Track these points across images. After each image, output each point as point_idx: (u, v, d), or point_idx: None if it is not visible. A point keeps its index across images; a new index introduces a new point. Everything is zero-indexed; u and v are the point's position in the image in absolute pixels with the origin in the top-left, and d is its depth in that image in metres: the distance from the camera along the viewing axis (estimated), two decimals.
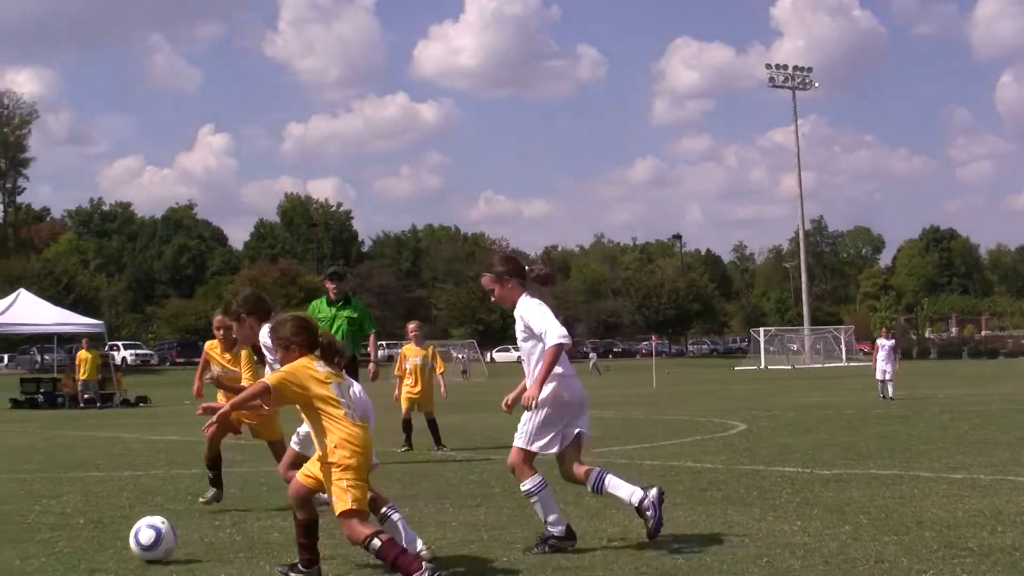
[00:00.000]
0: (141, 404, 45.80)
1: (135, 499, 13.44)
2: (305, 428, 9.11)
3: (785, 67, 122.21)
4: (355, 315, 17.37)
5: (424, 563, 7.87)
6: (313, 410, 8.12)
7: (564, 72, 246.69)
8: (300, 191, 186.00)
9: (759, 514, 11.02)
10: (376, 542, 7.85)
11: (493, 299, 10.23)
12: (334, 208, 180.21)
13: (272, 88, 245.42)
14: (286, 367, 8.27)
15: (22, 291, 51.31)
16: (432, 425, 20.63)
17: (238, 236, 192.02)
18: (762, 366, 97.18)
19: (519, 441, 9.84)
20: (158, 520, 9.43)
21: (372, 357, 17.61)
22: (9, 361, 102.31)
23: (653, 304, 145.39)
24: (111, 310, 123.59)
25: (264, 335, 9.66)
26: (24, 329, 54.17)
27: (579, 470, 9.98)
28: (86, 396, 43.69)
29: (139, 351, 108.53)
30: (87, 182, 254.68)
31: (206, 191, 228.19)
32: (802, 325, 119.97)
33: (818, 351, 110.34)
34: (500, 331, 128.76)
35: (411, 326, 21.47)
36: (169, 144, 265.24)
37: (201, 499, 12.49)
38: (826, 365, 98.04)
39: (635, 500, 9.54)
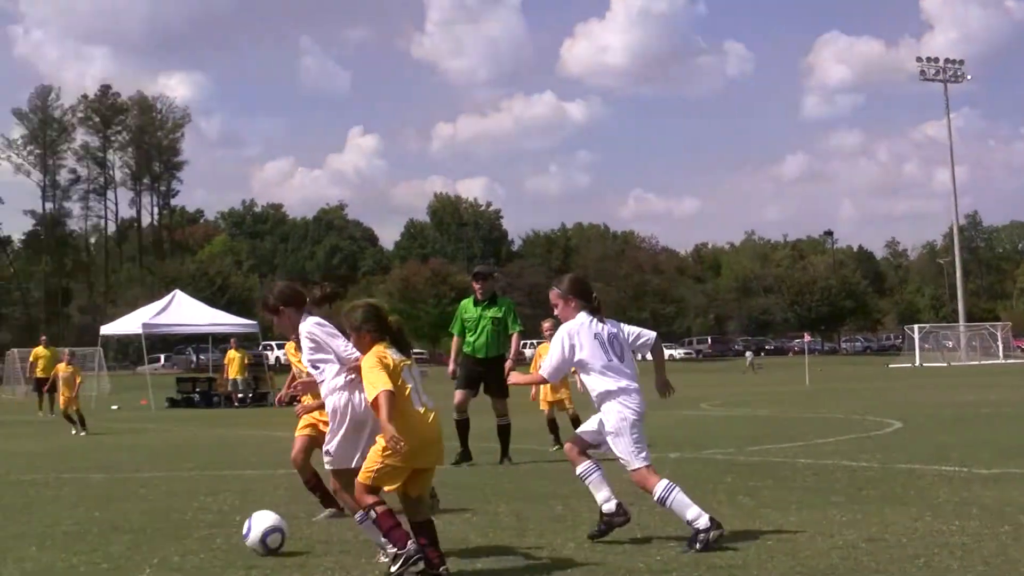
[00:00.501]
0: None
1: (290, 497, 13.54)
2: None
3: (936, 60, 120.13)
4: (499, 314, 17.35)
5: (410, 541, 8.24)
6: None
7: (711, 68, 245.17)
8: (450, 191, 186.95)
9: (916, 513, 10.82)
10: (373, 513, 8.37)
11: (556, 313, 10.67)
12: (484, 207, 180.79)
13: (420, 89, 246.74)
14: (367, 362, 8.54)
15: (177, 292, 52.21)
16: (575, 423, 20.46)
17: (389, 236, 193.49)
18: (917, 363, 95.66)
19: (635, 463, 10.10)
20: (276, 520, 9.84)
21: (511, 355, 17.49)
22: (165, 361, 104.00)
23: (805, 301, 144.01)
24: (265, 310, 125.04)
25: (303, 326, 9.68)
26: (180, 329, 55.11)
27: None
28: (238, 395, 44.38)
29: None
30: (240, 184, 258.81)
31: (357, 192, 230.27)
32: (957, 322, 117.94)
33: (974, 348, 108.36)
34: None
35: (546, 324, 21.27)
36: (320, 146, 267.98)
37: (314, 518, 11.75)
38: (982, 362, 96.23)
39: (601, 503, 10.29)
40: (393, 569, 8.30)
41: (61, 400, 29.11)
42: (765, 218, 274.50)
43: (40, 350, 38.62)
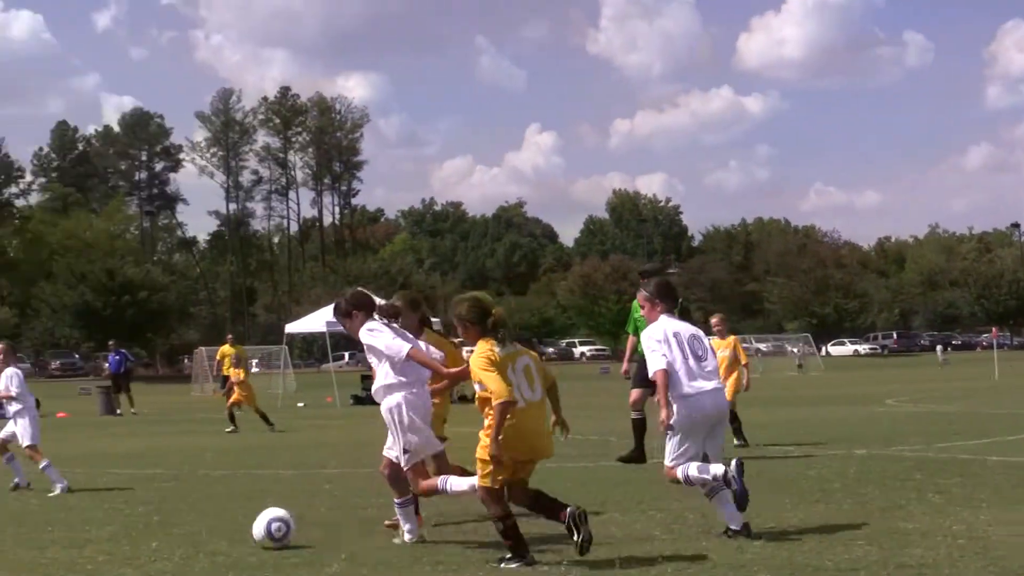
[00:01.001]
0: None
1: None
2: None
3: None
4: None
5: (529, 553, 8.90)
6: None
7: (891, 59, 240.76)
8: (628, 187, 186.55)
9: None
10: (501, 525, 8.92)
11: (643, 314, 11.08)
12: (663, 203, 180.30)
13: (597, 85, 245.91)
14: (477, 363, 9.05)
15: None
16: (732, 419, 20.24)
17: (569, 233, 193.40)
18: None
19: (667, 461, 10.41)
20: (284, 513, 10.37)
21: None
22: (350, 358, 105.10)
23: (993, 295, 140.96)
24: (447, 308, 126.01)
25: (362, 333, 10.13)
26: None
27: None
28: None
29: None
30: (419, 183, 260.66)
31: (535, 189, 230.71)
32: None
33: None
34: (835, 324, 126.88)
35: (714, 320, 21.07)
36: (497, 143, 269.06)
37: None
38: None
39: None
40: (576, 538, 8.79)
41: (235, 398, 29.59)
42: (949, 210, 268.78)
43: (227, 348, 39.19)
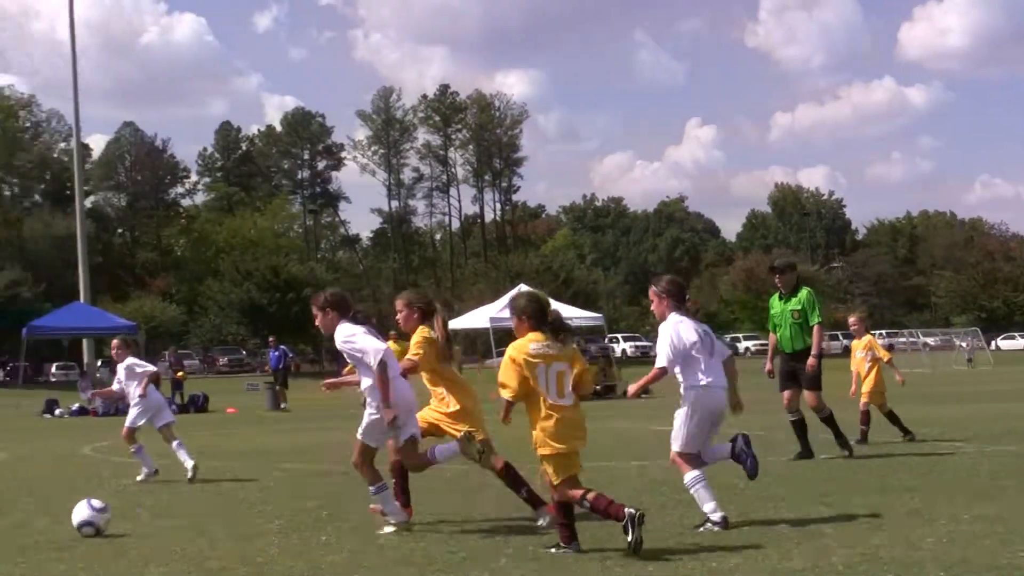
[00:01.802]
0: (643, 396, 46.32)
1: (642, 488, 13.52)
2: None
3: None
4: (799, 307, 16.90)
5: (626, 508, 9.28)
6: None
7: None
8: (790, 180, 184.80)
9: None
10: (586, 502, 9.45)
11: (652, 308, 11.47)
12: (825, 196, 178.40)
13: (756, 78, 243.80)
14: (508, 351, 9.76)
15: (522, 286, 52.84)
16: (891, 418, 19.90)
17: (731, 227, 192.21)
18: None
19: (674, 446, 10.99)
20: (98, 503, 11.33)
21: (813, 350, 16.92)
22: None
23: None
24: (609, 303, 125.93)
25: (337, 337, 11.08)
26: None
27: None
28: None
29: (638, 343, 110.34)
30: (579, 178, 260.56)
31: (696, 184, 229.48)
32: None
33: None
34: (1005, 318, 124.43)
35: (852, 319, 20.82)
36: (657, 139, 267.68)
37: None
38: None
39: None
40: (629, 538, 9.14)
41: None
42: None
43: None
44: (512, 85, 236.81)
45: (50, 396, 46.13)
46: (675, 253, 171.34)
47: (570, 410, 9.66)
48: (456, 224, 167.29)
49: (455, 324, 54.95)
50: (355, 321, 11.15)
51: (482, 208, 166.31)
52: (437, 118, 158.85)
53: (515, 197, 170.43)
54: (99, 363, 66.08)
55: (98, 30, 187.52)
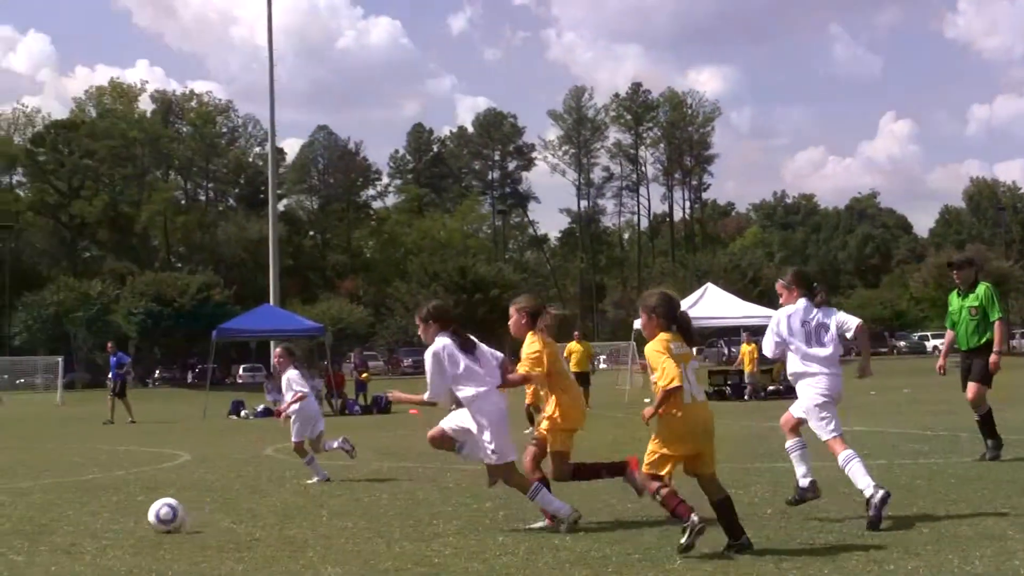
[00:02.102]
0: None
1: (822, 484, 13.33)
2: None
3: None
4: (976, 303, 16.53)
5: (692, 513, 9.37)
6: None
7: None
8: (987, 174, 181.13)
9: None
10: (659, 496, 9.54)
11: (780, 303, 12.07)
12: (1023, 190, 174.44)
13: (954, 70, 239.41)
14: (654, 346, 9.71)
15: (709, 285, 52.78)
16: None
17: (923, 223, 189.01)
18: None
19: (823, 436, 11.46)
20: (172, 501, 11.92)
21: (995, 347, 16.50)
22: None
23: None
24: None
25: (434, 344, 11.34)
26: (712, 322, 55.41)
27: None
28: (757, 389, 44.59)
29: None
30: (770, 175, 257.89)
31: (889, 179, 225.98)
32: None
33: None
34: None
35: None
36: (851, 133, 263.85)
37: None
38: None
39: None
40: (683, 540, 9.31)
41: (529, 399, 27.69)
42: None
43: (574, 345, 39.58)
44: (705, 82, 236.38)
45: (236, 398, 47.08)
46: (865, 250, 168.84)
47: (704, 408, 9.74)
48: (645, 223, 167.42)
49: (639, 324, 54.94)
50: (454, 336, 11.34)
51: (671, 206, 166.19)
52: (628, 117, 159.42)
53: (705, 195, 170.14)
54: None
55: (296, 35, 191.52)
